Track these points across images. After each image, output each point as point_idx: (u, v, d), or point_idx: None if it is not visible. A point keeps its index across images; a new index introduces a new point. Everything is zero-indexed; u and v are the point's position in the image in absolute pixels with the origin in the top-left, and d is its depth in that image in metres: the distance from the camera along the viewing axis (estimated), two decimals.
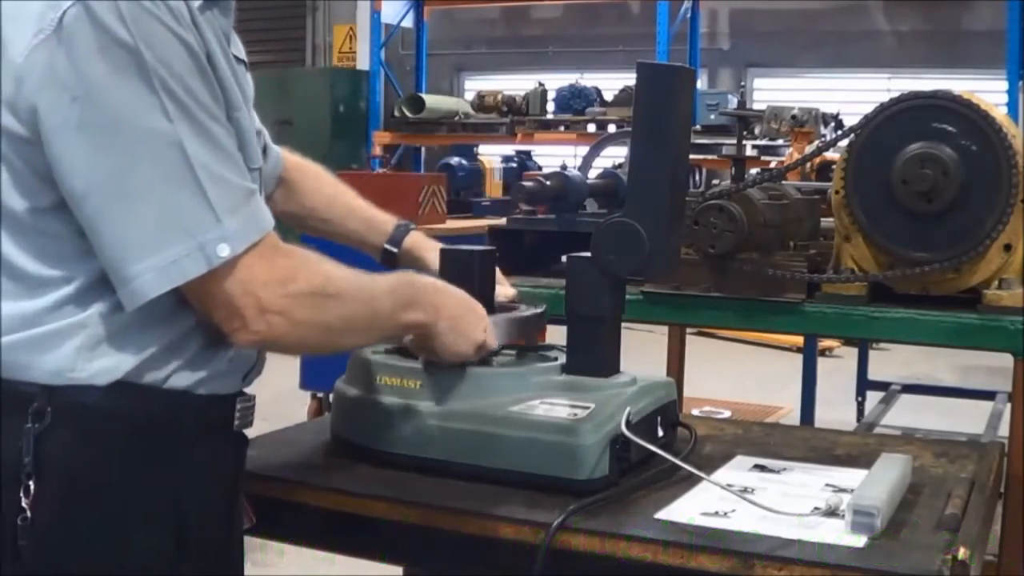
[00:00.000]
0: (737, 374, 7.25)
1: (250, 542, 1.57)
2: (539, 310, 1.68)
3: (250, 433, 1.67)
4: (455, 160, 6.05)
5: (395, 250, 1.79)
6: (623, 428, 1.48)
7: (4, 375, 1.23)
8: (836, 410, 5.53)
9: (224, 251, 1.21)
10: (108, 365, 1.24)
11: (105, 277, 1.23)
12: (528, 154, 9.83)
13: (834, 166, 2.20)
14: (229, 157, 1.25)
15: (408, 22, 10.41)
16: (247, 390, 1.43)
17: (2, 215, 1.24)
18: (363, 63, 10.98)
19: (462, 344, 1.51)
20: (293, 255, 1.30)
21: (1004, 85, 7.95)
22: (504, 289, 1.75)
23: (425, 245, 1.80)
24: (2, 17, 1.23)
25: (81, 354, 1.23)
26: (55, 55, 1.18)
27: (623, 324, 1.66)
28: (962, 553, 1.27)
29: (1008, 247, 2.05)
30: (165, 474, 1.29)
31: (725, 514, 1.40)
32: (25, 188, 1.23)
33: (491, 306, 1.71)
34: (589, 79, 9.98)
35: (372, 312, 1.40)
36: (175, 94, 1.20)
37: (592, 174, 2.68)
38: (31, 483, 1.20)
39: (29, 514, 1.20)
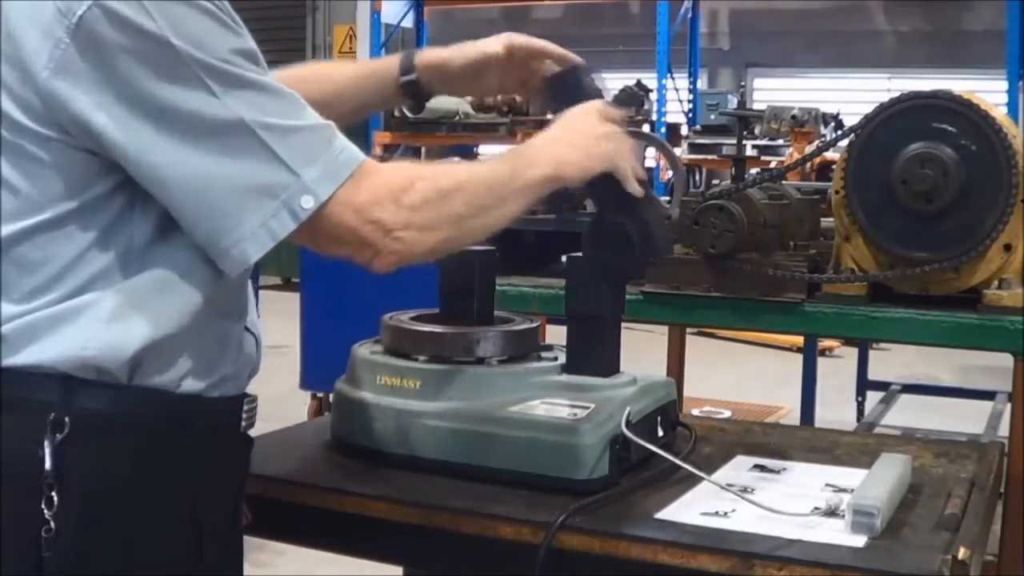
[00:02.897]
0: (737, 374, 7.25)
1: (250, 542, 1.57)
2: (534, 324, 1.68)
3: (250, 433, 1.67)
4: (455, 160, 6.05)
5: (413, 76, 1.68)
6: (623, 428, 1.48)
7: (18, 361, 1.21)
8: (836, 410, 5.52)
9: (309, 202, 1.23)
10: (122, 338, 1.23)
11: (121, 259, 1.24)
12: None
13: (834, 166, 2.20)
14: (292, 103, 1.25)
15: (408, 22, 10.42)
16: (247, 390, 1.43)
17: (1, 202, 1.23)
18: None
19: (604, 152, 1.48)
20: (397, 169, 1.31)
21: (1004, 85, 7.96)
22: None
23: (435, 53, 1.70)
24: (17, 27, 1.20)
25: (95, 324, 1.22)
26: (80, 64, 1.17)
27: (623, 324, 1.66)
28: (962, 553, 1.27)
29: (1008, 247, 2.05)
30: (182, 478, 1.29)
31: (725, 514, 1.40)
32: (53, 185, 1.22)
33: (491, 310, 1.72)
34: None
35: (494, 187, 1.39)
36: (216, 67, 1.19)
37: None
38: (53, 494, 1.19)
39: (53, 525, 1.19)
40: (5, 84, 1.21)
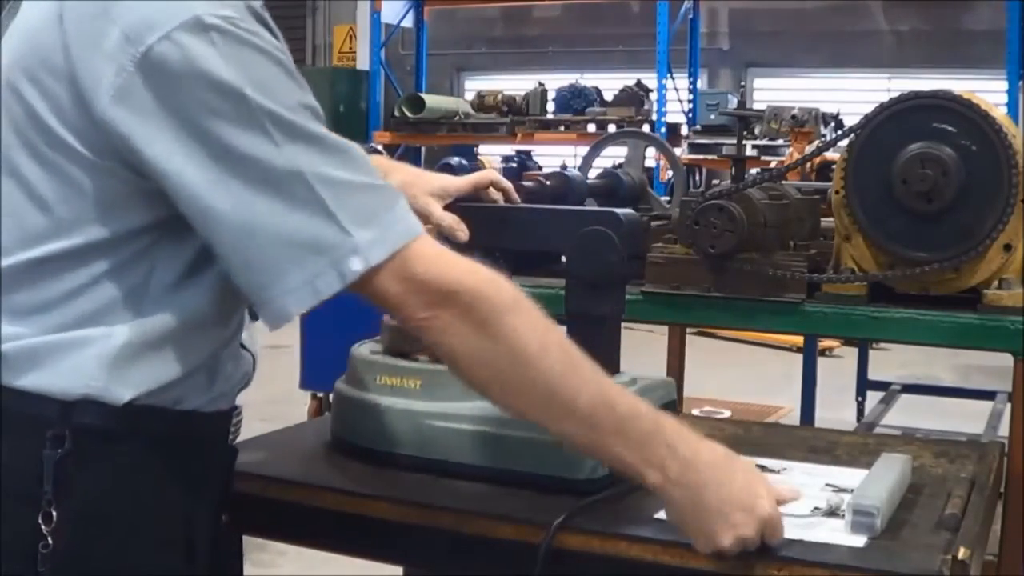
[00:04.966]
0: (737, 374, 7.25)
1: (250, 542, 1.57)
2: None
3: (250, 433, 1.68)
4: (455, 160, 6.02)
5: None
6: None
7: (17, 384, 1.20)
8: (836, 410, 5.52)
9: (357, 265, 1.18)
10: (123, 382, 1.22)
11: (134, 298, 1.23)
12: (528, 154, 9.80)
13: (834, 166, 2.20)
14: (356, 160, 1.23)
15: (408, 22, 10.44)
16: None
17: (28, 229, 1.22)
18: (363, 63, 11.00)
19: (705, 535, 1.27)
20: (467, 263, 1.27)
21: (1004, 85, 7.97)
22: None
23: (381, 169, 1.70)
24: (77, 45, 1.18)
25: (101, 363, 1.21)
26: (143, 95, 1.15)
27: (623, 324, 1.66)
28: (962, 553, 1.27)
29: (1008, 247, 2.05)
30: (176, 493, 1.28)
31: None
32: (84, 209, 1.20)
33: None
34: (589, 79, 9.99)
35: (555, 386, 1.25)
36: (281, 117, 1.17)
37: (592, 174, 2.68)
38: (52, 510, 1.18)
39: (50, 541, 1.18)
40: (53, 98, 1.19)
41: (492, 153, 9.50)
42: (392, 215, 1.22)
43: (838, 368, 6.68)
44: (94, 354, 1.21)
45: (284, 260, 1.18)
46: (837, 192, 2.12)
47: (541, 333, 1.26)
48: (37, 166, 1.21)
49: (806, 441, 1.82)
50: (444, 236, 1.62)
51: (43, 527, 1.18)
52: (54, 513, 1.19)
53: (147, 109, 1.16)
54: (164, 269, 1.24)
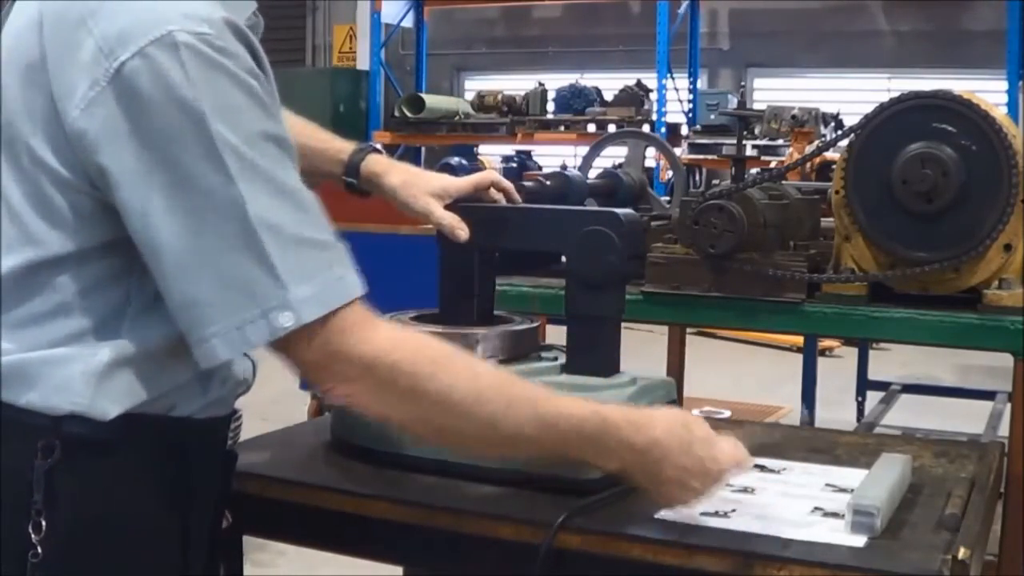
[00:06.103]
0: (737, 374, 7.25)
1: (250, 542, 1.57)
2: (534, 324, 1.68)
3: (251, 432, 1.67)
4: (455, 160, 6.01)
5: (354, 181, 1.69)
6: None
7: (7, 399, 1.19)
8: (836, 410, 5.53)
9: (288, 320, 1.16)
10: (108, 399, 1.21)
11: (115, 316, 1.22)
12: (528, 154, 9.83)
13: (834, 166, 2.20)
14: (306, 210, 1.20)
15: (408, 22, 10.44)
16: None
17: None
18: (363, 63, 11.00)
19: (667, 500, 1.36)
20: (399, 331, 1.27)
21: (1004, 85, 7.97)
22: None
23: (380, 164, 1.68)
24: (53, 54, 1.17)
25: (86, 380, 1.20)
26: (113, 110, 1.14)
27: (623, 324, 1.66)
28: (962, 553, 1.27)
29: (1008, 247, 2.05)
30: (169, 500, 1.27)
31: (725, 514, 1.40)
32: (57, 224, 1.20)
33: (491, 310, 1.72)
34: (589, 79, 9.99)
35: (496, 427, 1.28)
36: (240, 150, 1.15)
37: (592, 174, 2.68)
38: (42, 520, 1.17)
39: (40, 550, 1.17)
40: (31, 108, 1.18)
41: (492, 153, 9.52)
42: (331, 274, 1.20)
43: (838, 368, 6.68)
44: (79, 371, 1.20)
45: (217, 301, 1.16)
46: (837, 192, 2.13)
47: (470, 382, 1.27)
48: (12, 176, 1.20)
49: (806, 441, 1.82)
50: (445, 235, 1.62)
51: (32, 536, 1.17)
52: (43, 522, 1.18)
53: (115, 126, 1.15)
54: (145, 285, 1.23)
